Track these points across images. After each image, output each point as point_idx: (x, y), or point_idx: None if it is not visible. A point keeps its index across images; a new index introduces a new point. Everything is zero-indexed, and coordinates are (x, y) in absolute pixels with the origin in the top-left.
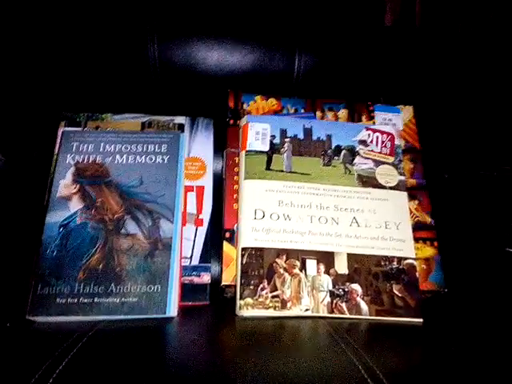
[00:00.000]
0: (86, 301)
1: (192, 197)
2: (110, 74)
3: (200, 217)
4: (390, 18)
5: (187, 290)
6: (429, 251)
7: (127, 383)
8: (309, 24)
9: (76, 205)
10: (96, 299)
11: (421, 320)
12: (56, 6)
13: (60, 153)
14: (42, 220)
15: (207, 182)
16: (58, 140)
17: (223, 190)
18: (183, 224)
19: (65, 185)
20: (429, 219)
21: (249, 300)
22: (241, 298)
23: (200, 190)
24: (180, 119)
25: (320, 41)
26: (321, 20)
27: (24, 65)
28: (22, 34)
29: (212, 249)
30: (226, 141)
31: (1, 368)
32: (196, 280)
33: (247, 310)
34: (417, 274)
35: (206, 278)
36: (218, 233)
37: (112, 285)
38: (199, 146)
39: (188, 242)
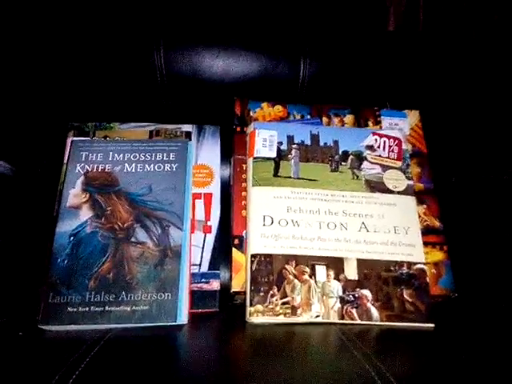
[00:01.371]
0: (97, 309)
1: (200, 204)
2: (116, 83)
3: (208, 223)
4: (393, 24)
5: (197, 297)
6: (438, 255)
7: None
8: (313, 31)
9: (86, 214)
10: (107, 307)
11: (432, 325)
12: (64, 16)
13: (69, 162)
14: (52, 229)
15: (215, 189)
16: (67, 149)
17: (231, 196)
18: (192, 231)
19: (74, 194)
20: (437, 223)
21: (259, 307)
22: (251, 305)
23: (208, 197)
24: (187, 127)
25: (324, 48)
26: (325, 27)
27: (32, 74)
28: (29, 43)
29: (221, 255)
30: (233, 148)
31: (13, 377)
32: (205, 287)
33: (257, 316)
34: (427, 278)
35: (215, 285)
36: (227, 239)
37: (123, 293)
38: (206, 153)
39: (197, 249)
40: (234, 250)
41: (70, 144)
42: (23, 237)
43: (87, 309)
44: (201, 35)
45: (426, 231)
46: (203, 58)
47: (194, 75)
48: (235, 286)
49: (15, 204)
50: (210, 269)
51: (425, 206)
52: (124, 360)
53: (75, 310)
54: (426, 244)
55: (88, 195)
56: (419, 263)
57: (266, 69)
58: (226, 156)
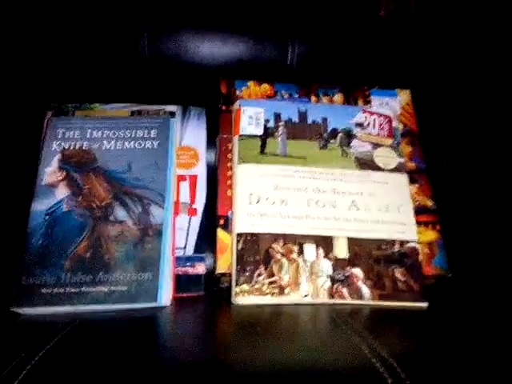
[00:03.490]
0: (73, 290)
1: (185, 186)
2: (98, 64)
3: (193, 206)
4: (384, 8)
5: (181, 282)
6: (431, 235)
7: (110, 372)
8: (300, 14)
9: (62, 192)
10: (84, 288)
11: (425, 304)
12: None
13: (45, 140)
14: (28, 209)
15: (200, 170)
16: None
17: (217, 176)
18: (176, 214)
19: (50, 172)
20: (430, 203)
21: (245, 287)
22: (236, 285)
23: (193, 179)
24: (171, 108)
25: (313, 30)
26: (313, 9)
27: (12, 55)
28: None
29: (206, 239)
30: (219, 127)
31: None
32: (190, 271)
33: (243, 297)
34: (420, 257)
35: (200, 269)
36: (213, 222)
37: (100, 273)
38: (191, 134)
39: (182, 232)
40: (219, 230)
41: (46, 122)
42: None
43: (62, 290)
44: (186, 17)
45: (419, 210)
46: (189, 40)
47: (180, 57)
48: (220, 268)
49: None
50: (195, 252)
51: (417, 185)
52: (95, 341)
53: (50, 291)
54: (418, 223)
55: (64, 173)
56: (411, 241)
57: (253, 52)
58: (212, 138)
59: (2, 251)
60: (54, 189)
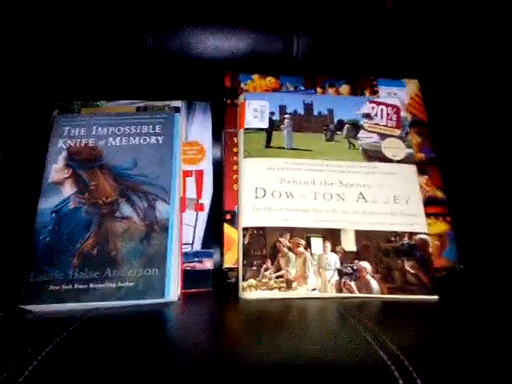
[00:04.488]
0: (80, 287)
1: (191, 182)
2: (103, 60)
3: (200, 202)
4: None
5: (189, 277)
6: (441, 227)
7: (118, 368)
8: (306, 4)
9: (69, 189)
10: (91, 285)
11: (436, 297)
12: None
13: (51, 138)
14: (35, 207)
15: (207, 166)
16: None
17: (222, 171)
18: (183, 210)
19: (56, 169)
20: (440, 194)
21: (252, 281)
22: (243, 280)
23: (199, 175)
24: (176, 103)
25: (318, 21)
26: (318, 1)
27: (18, 53)
28: (17, 23)
29: (214, 234)
30: (224, 121)
31: None
32: (198, 266)
33: (250, 291)
34: (430, 249)
35: (208, 264)
36: (220, 217)
37: (107, 269)
38: (197, 129)
39: (189, 227)
40: (225, 225)
41: (52, 119)
42: (6, 217)
43: (70, 286)
44: (190, 12)
45: (428, 202)
46: (193, 35)
47: (184, 52)
48: (228, 262)
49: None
50: (202, 248)
51: (426, 176)
52: (103, 337)
53: (58, 288)
54: (428, 215)
55: (71, 170)
56: (421, 233)
57: (258, 45)
58: (217, 132)
59: (10, 249)
60: (60, 186)
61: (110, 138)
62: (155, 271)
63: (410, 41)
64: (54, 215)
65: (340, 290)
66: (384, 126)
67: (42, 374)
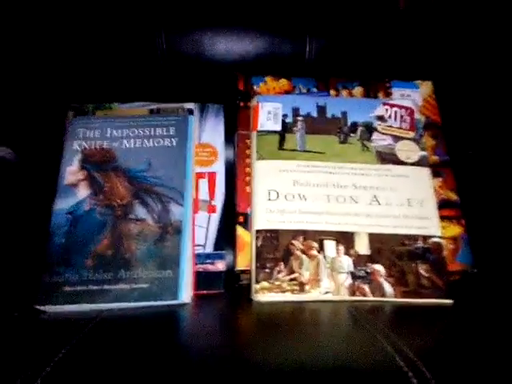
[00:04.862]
0: (95, 288)
1: (204, 183)
2: (117, 63)
3: (213, 203)
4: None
5: (201, 279)
6: (455, 230)
7: (132, 368)
8: (318, 7)
9: (84, 191)
10: (105, 286)
11: (450, 301)
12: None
13: (66, 140)
14: (51, 208)
15: (219, 168)
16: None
17: (235, 173)
18: (195, 211)
19: (71, 171)
20: (454, 196)
21: (265, 284)
22: (256, 282)
23: (212, 177)
24: (189, 105)
25: (331, 23)
26: (331, 2)
27: (33, 56)
28: (31, 25)
29: (226, 236)
30: (237, 123)
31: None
32: (210, 268)
33: (263, 294)
34: (444, 252)
35: (220, 266)
36: (232, 219)
37: (121, 271)
38: (210, 132)
39: (201, 229)
40: (238, 227)
41: (67, 122)
42: (21, 217)
43: (85, 288)
44: (203, 14)
45: (443, 205)
46: (205, 37)
47: (196, 54)
48: (240, 265)
49: (15, 187)
50: (215, 249)
51: (440, 179)
52: (118, 338)
53: (72, 289)
54: (442, 218)
55: (85, 172)
56: (435, 237)
57: (271, 47)
58: (230, 135)
59: (26, 250)
60: (75, 188)
61: (124, 140)
62: (168, 273)
63: (423, 43)
64: (68, 217)
65: (353, 294)
66: (398, 128)
67: (58, 376)
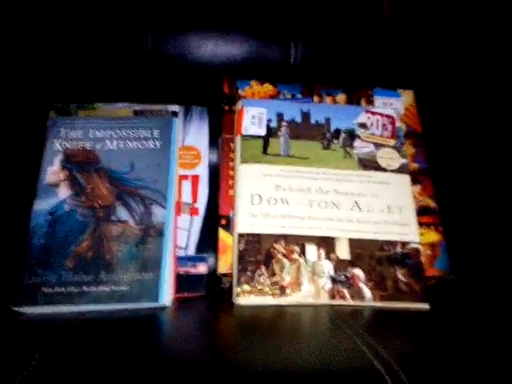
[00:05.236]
0: (74, 290)
1: (187, 186)
2: (102, 63)
3: (195, 206)
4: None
5: (183, 281)
6: (433, 236)
7: (110, 371)
8: (303, 14)
9: (64, 192)
10: (85, 288)
11: (427, 305)
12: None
13: (48, 139)
14: (30, 208)
15: (203, 170)
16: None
17: (219, 176)
18: (178, 213)
19: (52, 171)
20: (432, 203)
21: (246, 287)
22: (238, 285)
23: (195, 179)
24: (174, 107)
25: (315, 30)
26: (316, 9)
27: (15, 54)
28: (14, 24)
29: (208, 239)
30: (222, 127)
31: None
32: (192, 271)
33: (244, 297)
34: (421, 258)
35: (202, 269)
36: (214, 222)
37: (102, 273)
38: (194, 134)
39: (183, 231)
40: (220, 230)
41: (48, 121)
42: (1, 218)
43: (64, 289)
44: (190, 17)
45: (421, 212)
46: (191, 40)
47: (183, 57)
48: (222, 268)
49: None
50: (196, 252)
51: (419, 186)
52: (96, 340)
53: (51, 290)
54: (421, 225)
55: (67, 173)
56: (413, 242)
57: (256, 51)
58: (214, 137)
59: (4, 250)
60: (56, 188)
61: (108, 142)
62: (149, 275)
63: (405, 51)
64: (49, 217)
65: (333, 297)
66: (379, 135)
67: (36, 379)
